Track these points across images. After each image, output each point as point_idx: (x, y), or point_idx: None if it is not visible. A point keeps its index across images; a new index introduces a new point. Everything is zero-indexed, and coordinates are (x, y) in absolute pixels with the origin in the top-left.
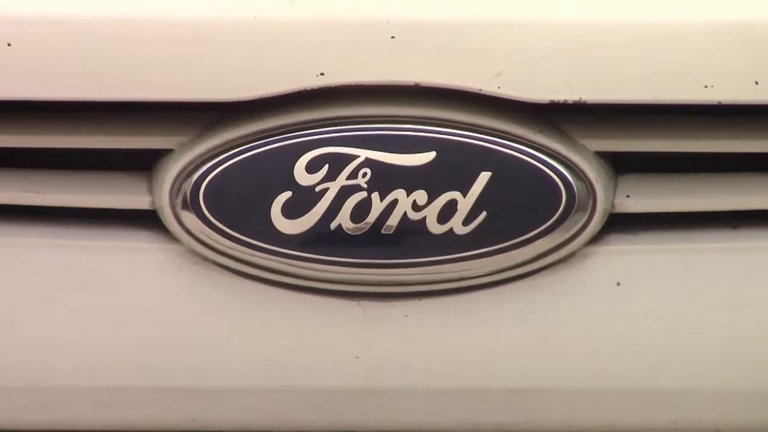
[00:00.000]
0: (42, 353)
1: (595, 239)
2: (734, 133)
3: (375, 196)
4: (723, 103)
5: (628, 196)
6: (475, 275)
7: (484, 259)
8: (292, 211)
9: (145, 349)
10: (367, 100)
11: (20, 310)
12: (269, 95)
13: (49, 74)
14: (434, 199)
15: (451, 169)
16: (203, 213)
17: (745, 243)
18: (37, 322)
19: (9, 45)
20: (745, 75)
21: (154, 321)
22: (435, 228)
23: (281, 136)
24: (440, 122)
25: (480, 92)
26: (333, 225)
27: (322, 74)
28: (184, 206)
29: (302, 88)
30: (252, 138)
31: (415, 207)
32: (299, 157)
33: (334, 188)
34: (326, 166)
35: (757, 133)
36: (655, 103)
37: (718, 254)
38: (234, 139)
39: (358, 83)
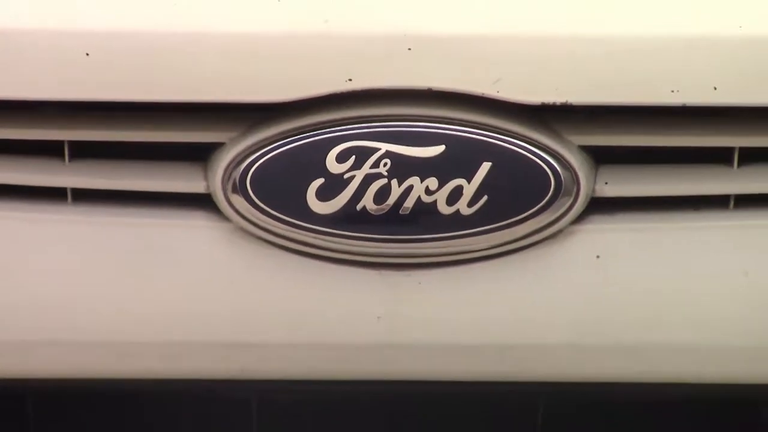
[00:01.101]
0: (119, 312)
1: (579, 219)
2: (696, 130)
3: (394, 182)
4: (687, 105)
5: (606, 183)
6: (478, 249)
7: (485, 236)
8: (324, 194)
9: (201, 309)
10: (388, 102)
11: (100, 277)
12: (305, 97)
13: (123, 80)
14: (443, 185)
15: (457, 159)
16: (250, 196)
17: (705, 223)
18: (113, 285)
19: (87, 54)
20: (705, 82)
21: (209, 286)
22: (444, 209)
23: (315, 132)
24: (449, 120)
25: (482, 95)
26: (359, 207)
27: (350, 80)
28: (234, 190)
29: (333, 92)
30: (291, 133)
31: (428, 191)
32: (330, 150)
33: (359, 176)
34: (353, 157)
35: (716, 130)
36: (630, 105)
37: (681, 232)
38: (276, 134)
39: (381, 87)
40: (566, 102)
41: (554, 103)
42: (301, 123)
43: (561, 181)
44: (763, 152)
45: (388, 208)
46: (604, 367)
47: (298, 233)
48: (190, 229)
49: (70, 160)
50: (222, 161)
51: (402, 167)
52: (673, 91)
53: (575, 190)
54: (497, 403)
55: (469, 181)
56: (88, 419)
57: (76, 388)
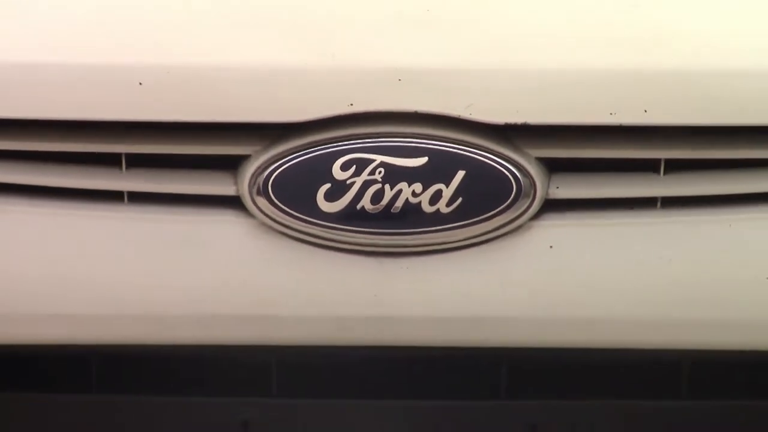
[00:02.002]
0: (164, 288)
1: (535, 217)
2: (630, 145)
3: (387, 187)
4: (623, 124)
5: (557, 188)
6: (454, 240)
7: (460, 230)
8: (330, 196)
9: (231, 287)
10: (382, 122)
11: (149, 261)
12: (316, 118)
13: (168, 104)
14: (426, 189)
15: (438, 168)
16: (271, 198)
17: (637, 220)
18: (160, 268)
19: (140, 84)
20: (637, 106)
21: (237, 270)
22: (427, 208)
23: (323, 146)
24: (431, 137)
25: (458, 117)
26: (358, 206)
27: (352, 104)
28: (258, 193)
29: (338, 114)
30: (304, 147)
31: (414, 194)
32: (335, 160)
33: (359, 182)
34: (354, 166)
35: (645, 145)
36: (577, 124)
37: (618, 227)
38: (292, 148)
39: (376, 110)
40: (525, 122)
41: (516, 123)
42: (312, 139)
43: (521, 185)
44: (685, 162)
45: (382, 207)
46: (556, 335)
47: (310, 228)
48: (222, 224)
49: (126, 169)
50: (248, 170)
51: (393, 175)
52: (611, 114)
53: (533, 193)
54: (468, 366)
55: (447, 186)
56: (139, 378)
57: (131, 353)
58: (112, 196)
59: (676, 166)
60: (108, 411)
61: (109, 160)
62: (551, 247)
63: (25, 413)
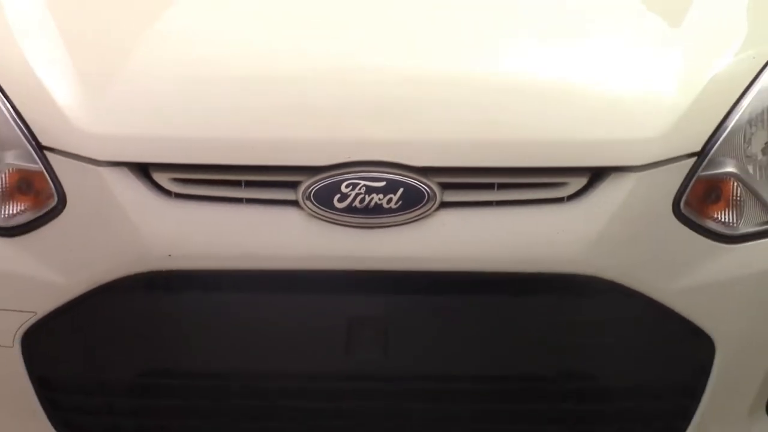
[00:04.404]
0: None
1: (436, 210)
2: (476, 175)
3: (366, 196)
4: (477, 166)
5: (445, 197)
6: (398, 222)
7: (400, 216)
8: (339, 200)
9: (288, 242)
10: (364, 165)
11: (256, 223)
12: (333, 163)
13: (271, 158)
14: (385, 197)
15: (391, 187)
16: (312, 200)
17: (479, 210)
18: (258, 225)
19: (254, 148)
20: (486, 158)
21: (296, 234)
22: (385, 206)
23: (337, 176)
24: (388, 172)
25: (402, 163)
26: (353, 205)
27: (350, 157)
28: (306, 198)
29: (343, 161)
30: (327, 177)
31: (379, 200)
32: (342, 183)
33: (353, 194)
34: (351, 186)
35: (486, 174)
36: (457, 167)
37: (476, 213)
38: (322, 177)
39: (362, 160)
40: (432, 166)
41: (428, 166)
42: (332, 173)
43: (430, 195)
44: (511, 185)
45: (363, 205)
46: (445, 264)
47: (330, 215)
48: (289, 214)
49: (245, 186)
50: (302, 187)
51: (369, 190)
52: (474, 161)
53: (435, 199)
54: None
55: (395, 195)
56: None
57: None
58: (237, 201)
59: (502, 186)
60: None
61: (234, 183)
62: (444, 224)
63: None
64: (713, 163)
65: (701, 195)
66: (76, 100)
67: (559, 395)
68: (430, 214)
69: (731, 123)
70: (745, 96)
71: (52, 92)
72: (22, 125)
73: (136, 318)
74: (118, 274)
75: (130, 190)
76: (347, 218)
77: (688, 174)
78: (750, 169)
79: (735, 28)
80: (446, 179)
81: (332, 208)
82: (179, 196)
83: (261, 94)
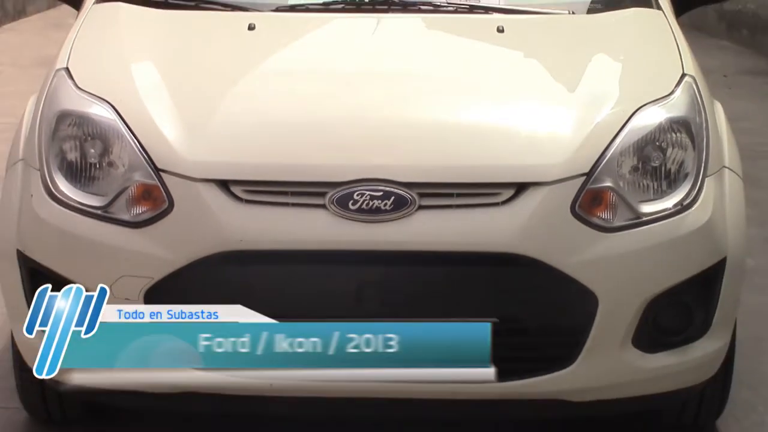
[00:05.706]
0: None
1: (415, 211)
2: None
3: (370, 202)
4: (445, 182)
5: (422, 202)
6: (389, 219)
7: (390, 215)
8: (352, 205)
9: (314, 232)
10: (369, 181)
11: (288, 223)
12: (347, 180)
13: (309, 175)
14: (382, 202)
15: (386, 196)
16: (334, 204)
17: (439, 212)
18: (289, 221)
19: (294, 170)
20: (451, 175)
21: (322, 228)
22: (383, 208)
23: (350, 189)
24: (385, 187)
25: (393, 180)
26: (361, 207)
27: (359, 176)
28: (331, 203)
29: (354, 179)
30: (341, 189)
31: (377, 204)
32: (354, 193)
33: (361, 200)
34: (360, 195)
35: (447, 188)
36: (430, 182)
37: (444, 213)
38: (339, 189)
39: (367, 178)
40: (414, 181)
41: (412, 182)
42: (347, 186)
43: (411, 201)
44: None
45: (367, 208)
46: (419, 246)
47: (346, 214)
48: (319, 213)
49: (290, 195)
50: (327, 196)
51: (372, 197)
52: (443, 175)
53: (416, 203)
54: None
55: (389, 201)
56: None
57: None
58: (285, 205)
59: (459, 195)
60: None
61: (284, 193)
62: (421, 221)
63: None
64: (597, 180)
65: (589, 201)
66: (180, 138)
67: (496, 333)
68: (411, 214)
69: (609, 153)
70: (618, 136)
71: (165, 132)
72: (145, 154)
73: (218, 282)
74: (207, 253)
75: (216, 197)
76: (358, 216)
77: (580, 187)
78: (621, 183)
79: (610, 92)
80: (423, 190)
81: (348, 209)
82: (248, 201)
83: (302, 134)
